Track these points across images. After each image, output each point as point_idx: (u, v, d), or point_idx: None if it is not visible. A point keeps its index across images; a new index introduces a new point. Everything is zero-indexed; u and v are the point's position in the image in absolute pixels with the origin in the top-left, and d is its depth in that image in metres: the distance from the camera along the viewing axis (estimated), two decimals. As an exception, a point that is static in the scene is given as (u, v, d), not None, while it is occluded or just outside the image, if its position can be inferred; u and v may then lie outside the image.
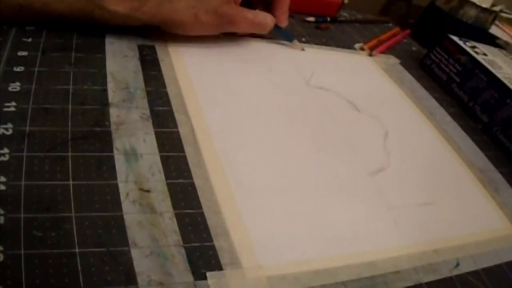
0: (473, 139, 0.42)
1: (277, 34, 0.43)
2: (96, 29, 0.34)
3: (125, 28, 0.35)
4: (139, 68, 0.33)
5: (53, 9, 0.31)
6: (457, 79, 0.49)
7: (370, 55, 0.51)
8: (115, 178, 0.25)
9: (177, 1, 0.33)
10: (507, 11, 0.70)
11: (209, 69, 0.36)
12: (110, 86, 0.31)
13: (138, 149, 0.27)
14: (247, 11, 0.38)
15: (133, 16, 0.32)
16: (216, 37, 0.39)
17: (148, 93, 0.31)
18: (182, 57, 0.36)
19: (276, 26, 0.42)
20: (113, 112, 0.29)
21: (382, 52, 0.53)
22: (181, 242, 0.23)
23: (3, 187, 0.22)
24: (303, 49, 0.45)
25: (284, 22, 0.43)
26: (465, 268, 0.28)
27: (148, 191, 0.25)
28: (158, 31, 0.36)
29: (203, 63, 0.37)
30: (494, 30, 0.63)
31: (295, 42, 0.44)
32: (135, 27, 0.35)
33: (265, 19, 0.39)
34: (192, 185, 0.26)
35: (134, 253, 0.21)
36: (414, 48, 0.60)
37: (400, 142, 0.37)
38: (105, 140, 0.27)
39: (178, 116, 0.30)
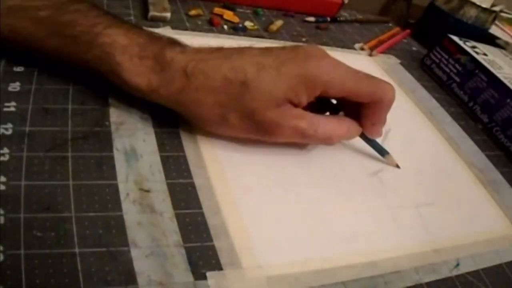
0: (473, 139, 0.42)
1: (368, 144, 0.33)
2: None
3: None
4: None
5: (67, 60, 0.28)
6: (457, 79, 0.49)
7: (370, 55, 0.51)
8: (115, 178, 0.25)
9: (205, 93, 0.26)
10: (507, 11, 0.70)
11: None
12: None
13: (138, 149, 0.27)
14: (301, 116, 0.27)
15: (151, 95, 0.27)
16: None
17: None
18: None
19: (364, 135, 0.32)
20: (113, 112, 0.29)
21: (382, 52, 0.53)
22: (181, 242, 0.23)
23: (3, 187, 0.22)
24: (398, 166, 0.33)
25: (373, 135, 0.31)
26: (465, 268, 0.28)
27: (148, 191, 0.25)
28: None
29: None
30: (494, 30, 0.63)
31: (389, 157, 0.33)
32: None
33: (325, 132, 0.28)
34: (192, 185, 0.26)
35: (134, 253, 0.21)
36: (414, 48, 0.60)
37: (400, 142, 0.37)
38: (105, 140, 0.27)
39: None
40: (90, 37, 0.26)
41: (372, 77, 0.29)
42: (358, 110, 0.30)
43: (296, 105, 0.27)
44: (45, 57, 0.28)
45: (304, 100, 0.27)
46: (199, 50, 0.27)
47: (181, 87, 0.26)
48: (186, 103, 0.27)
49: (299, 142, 0.30)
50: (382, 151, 0.33)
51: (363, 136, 0.32)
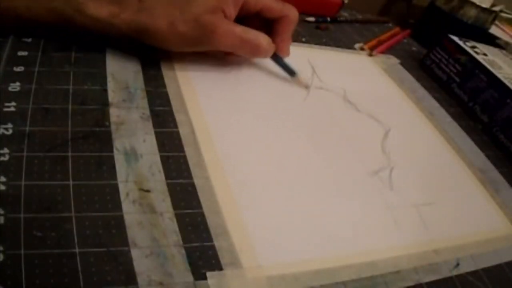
0: (473, 139, 0.42)
1: (279, 65, 0.38)
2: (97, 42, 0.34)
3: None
4: (139, 68, 0.33)
5: (36, 13, 0.30)
6: (457, 79, 0.49)
7: (370, 55, 0.51)
8: (115, 178, 0.25)
9: (154, 8, 0.31)
10: (507, 11, 0.70)
11: (208, 69, 0.36)
12: (110, 86, 0.31)
13: (138, 149, 0.27)
14: (235, 25, 0.33)
15: (112, 23, 0.31)
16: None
17: (148, 93, 0.31)
18: (182, 57, 0.36)
19: (276, 56, 0.37)
20: (113, 112, 0.29)
21: (382, 52, 0.53)
22: (181, 242, 0.23)
23: (3, 187, 0.22)
24: (307, 87, 0.38)
25: (283, 52, 0.37)
26: (465, 268, 0.28)
27: (148, 191, 0.25)
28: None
29: (202, 63, 0.37)
30: (494, 30, 0.63)
31: (298, 77, 0.38)
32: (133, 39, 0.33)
33: (257, 37, 0.34)
34: (192, 185, 0.26)
35: (134, 253, 0.21)
36: (414, 48, 0.60)
37: (400, 142, 0.37)
38: (105, 140, 0.27)
39: (178, 116, 0.30)
40: None
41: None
42: (270, 30, 0.36)
43: (226, 17, 0.33)
44: (19, 18, 0.30)
45: (232, 11, 0.33)
46: None
47: (137, 8, 0.31)
48: (144, 21, 0.31)
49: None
50: (291, 71, 0.38)
51: (274, 57, 0.36)
